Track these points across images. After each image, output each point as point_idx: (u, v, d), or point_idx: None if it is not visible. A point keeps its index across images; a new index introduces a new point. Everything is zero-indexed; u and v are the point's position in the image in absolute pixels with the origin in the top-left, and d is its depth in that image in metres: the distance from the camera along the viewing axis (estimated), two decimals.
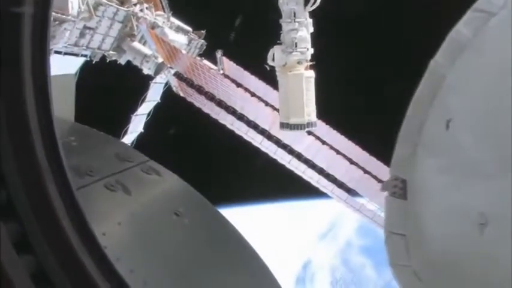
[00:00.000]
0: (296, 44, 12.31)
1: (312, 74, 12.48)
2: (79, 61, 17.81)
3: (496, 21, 5.09)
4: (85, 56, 17.94)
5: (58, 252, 1.74)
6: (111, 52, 19.12)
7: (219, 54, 23.36)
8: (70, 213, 1.86)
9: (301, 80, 12.11)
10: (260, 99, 20.85)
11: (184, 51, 21.60)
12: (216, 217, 3.84)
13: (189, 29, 23.77)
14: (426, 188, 5.30)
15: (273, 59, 12.53)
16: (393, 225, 5.50)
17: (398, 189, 5.51)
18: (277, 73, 12.66)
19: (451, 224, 4.82)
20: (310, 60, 12.68)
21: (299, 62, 12.34)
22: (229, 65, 23.32)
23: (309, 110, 12.21)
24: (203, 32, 24.65)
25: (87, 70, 18.38)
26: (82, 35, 16.54)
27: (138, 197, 3.03)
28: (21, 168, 1.93)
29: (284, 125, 12.44)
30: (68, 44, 16.10)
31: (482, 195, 4.44)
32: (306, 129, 12.39)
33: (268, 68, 12.78)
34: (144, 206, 2.97)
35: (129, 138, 22.24)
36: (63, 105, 4.50)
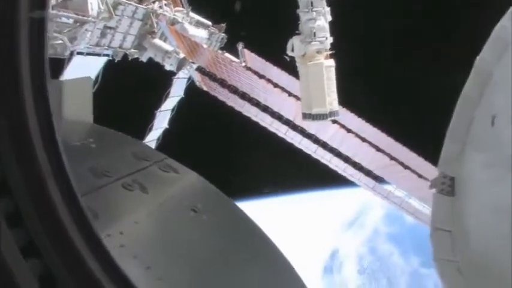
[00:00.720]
0: (315, 33, 12.26)
1: (332, 62, 12.42)
2: (101, 61, 17.97)
3: None
4: (107, 55, 18.11)
5: (63, 255, 1.78)
6: (132, 50, 19.24)
7: (240, 46, 23.35)
8: (74, 217, 1.90)
9: (321, 70, 12.06)
10: (283, 89, 20.80)
11: (205, 46, 21.63)
12: (235, 213, 3.86)
13: (209, 23, 23.75)
14: (472, 184, 5.28)
15: (292, 50, 12.52)
16: (439, 221, 5.50)
17: (447, 187, 5.50)
18: (297, 63, 12.64)
19: (493, 222, 4.80)
20: (330, 49, 12.64)
21: (318, 52, 12.29)
22: (251, 57, 23.30)
23: (331, 99, 12.16)
24: (223, 25, 24.60)
25: (110, 69, 18.54)
26: (103, 35, 16.70)
27: (155, 195, 3.07)
28: (24, 173, 1.97)
29: (306, 116, 12.43)
30: (90, 45, 16.27)
31: None
32: (329, 118, 12.36)
33: (288, 59, 12.77)
34: (161, 204, 3.01)
35: (154, 135, 22.42)
36: (81, 108, 4.57)
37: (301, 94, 12.99)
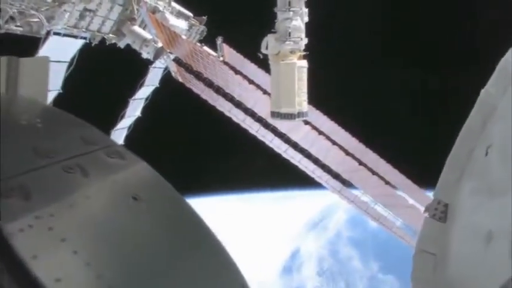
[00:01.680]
0: (290, 33, 12.27)
1: (304, 63, 12.44)
2: (78, 43, 17.77)
3: None
4: (84, 38, 17.89)
5: None
6: (110, 35, 19.08)
7: (219, 40, 23.32)
8: None
9: (293, 70, 12.08)
10: (258, 87, 20.81)
11: (184, 37, 21.54)
12: (179, 205, 3.84)
13: (190, 14, 23.64)
14: (459, 211, 5.39)
15: (267, 48, 12.51)
16: (426, 244, 5.60)
17: (439, 213, 5.60)
18: (270, 62, 12.64)
19: (466, 244, 4.90)
20: (304, 50, 12.65)
21: (292, 52, 12.30)
22: (229, 52, 23.28)
23: (300, 99, 12.19)
24: (204, 18, 24.49)
25: (86, 52, 18.37)
26: (82, 17, 16.53)
27: (95, 180, 3.03)
28: None
29: (275, 114, 12.45)
30: (68, 26, 16.09)
31: (491, 213, 4.52)
32: (297, 119, 12.38)
33: (261, 56, 12.77)
34: (99, 189, 2.98)
35: (126, 122, 22.27)
36: (37, 88, 4.52)
37: (271, 92, 13.00)
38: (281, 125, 19.48)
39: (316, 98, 19.76)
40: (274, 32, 12.55)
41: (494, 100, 5.43)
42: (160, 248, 3.00)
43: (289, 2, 12.21)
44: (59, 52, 16.66)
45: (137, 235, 2.88)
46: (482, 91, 5.67)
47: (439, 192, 5.74)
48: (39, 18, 14.12)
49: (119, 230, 2.78)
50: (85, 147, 3.42)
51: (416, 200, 22.12)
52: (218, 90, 20.49)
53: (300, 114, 12.31)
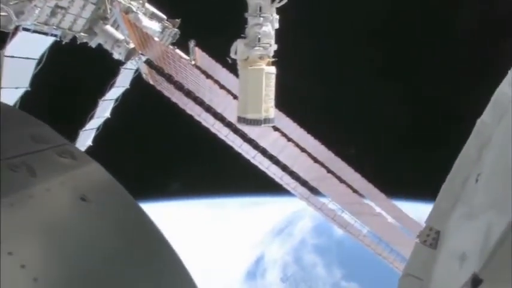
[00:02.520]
0: (259, 38, 12.28)
1: (273, 70, 12.44)
2: (48, 41, 17.54)
3: None
4: (55, 35, 17.67)
5: None
6: (82, 34, 18.89)
7: (191, 44, 23.27)
8: None
9: (261, 75, 12.07)
10: (229, 92, 20.80)
11: (156, 39, 21.45)
12: (132, 209, 3.78)
13: (164, 16, 23.53)
14: (447, 236, 5.46)
15: (236, 52, 12.50)
16: (414, 269, 5.67)
17: (431, 239, 5.66)
18: (238, 67, 12.62)
19: (445, 266, 4.96)
20: (273, 57, 12.66)
21: (261, 57, 12.30)
22: (201, 56, 23.25)
23: (267, 106, 12.18)
24: (178, 20, 24.39)
25: (56, 51, 18.17)
26: (53, 13, 16.30)
27: (42, 179, 2.96)
28: None
29: (241, 119, 12.42)
30: (38, 22, 15.87)
31: (466, 235, 4.59)
32: (263, 125, 12.37)
33: (230, 61, 12.74)
34: (46, 189, 2.92)
35: (95, 123, 22.07)
36: None
37: (238, 98, 12.99)
38: (250, 131, 19.51)
39: (286, 104, 19.87)
40: (244, 37, 12.54)
41: (489, 130, 5.53)
42: (106, 252, 2.94)
43: (260, 8, 12.22)
44: (28, 49, 16.43)
45: (82, 238, 2.82)
46: (478, 121, 5.79)
47: (431, 219, 5.83)
48: (7, 12, 13.92)
49: (62, 231, 2.72)
50: (34, 145, 3.36)
51: (383, 208, 22.33)
52: (189, 94, 20.44)
53: (266, 120, 12.30)
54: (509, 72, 5.52)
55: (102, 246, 2.90)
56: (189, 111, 21.07)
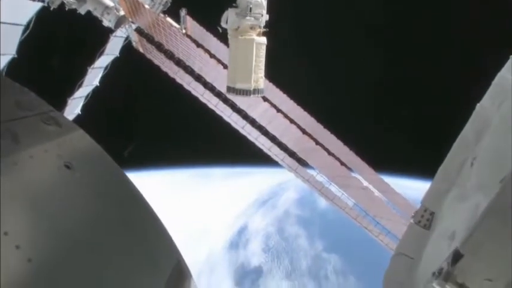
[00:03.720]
0: (251, 8, 12.17)
1: (264, 40, 12.34)
2: (35, 6, 17.25)
3: None
4: (42, 1, 17.38)
5: None
6: (71, 0, 18.61)
7: (183, 12, 23.02)
8: None
9: (251, 46, 11.99)
10: (219, 61, 20.68)
11: (147, 7, 21.21)
12: (116, 176, 3.77)
13: None
14: (441, 218, 5.49)
15: (227, 22, 12.39)
16: (406, 248, 5.72)
17: (425, 220, 5.71)
18: (228, 36, 12.52)
19: (435, 245, 5.01)
20: (265, 27, 12.56)
21: (252, 27, 12.19)
22: (192, 25, 23.03)
23: (257, 76, 12.13)
24: None
25: (45, 17, 17.91)
26: None
27: (26, 146, 2.94)
28: None
29: (230, 89, 12.36)
30: None
31: (457, 216, 4.64)
32: (252, 95, 12.33)
33: (221, 31, 12.63)
34: (30, 155, 2.90)
35: (83, 91, 21.88)
36: None
37: (228, 68, 12.92)
38: (240, 101, 19.49)
39: (277, 76, 19.80)
40: (236, 7, 12.42)
41: (488, 114, 5.55)
42: (91, 219, 2.94)
43: None
44: (14, 14, 16.16)
45: (66, 205, 2.82)
46: (478, 105, 5.82)
47: (427, 200, 5.89)
48: None
49: (45, 198, 2.71)
50: (19, 112, 3.33)
51: (370, 182, 22.46)
52: (179, 63, 20.32)
53: (255, 91, 12.25)
54: (510, 57, 5.54)
55: (86, 214, 2.90)
56: (179, 80, 20.96)
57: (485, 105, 5.82)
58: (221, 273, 53.60)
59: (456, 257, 3.54)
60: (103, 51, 21.76)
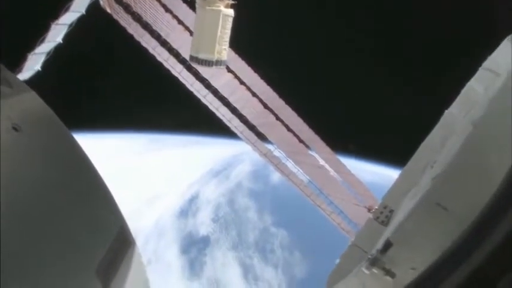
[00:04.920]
0: None
1: (230, 13, 12.35)
2: None
3: (500, 82, 5.36)
4: None
5: None
6: None
7: None
8: None
9: (217, 17, 11.99)
10: (187, 28, 20.49)
11: None
12: (65, 140, 3.76)
13: None
14: (398, 215, 5.64)
15: None
16: (361, 241, 5.86)
17: (384, 217, 5.85)
18: (196, 5, 12.49)
19: (383, 239, 5.17)
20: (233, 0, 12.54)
21: None
22: None
23: (221, 48, 12.16)
24: None
25: None
26: None
27: None
28: None
29: (193, 59, 12.39)
30: None
31: (403, 213, 4.79)
32: (214, 66, 12.36)
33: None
34: None
35: (45, 48, 21.40)
36: None
37: (193, 37, 12.89)
38: (203, 70, 19.40)
39: (242, 48, 19.75)
40: None
41: (455, 121, 5.72)
42: (34, 181, 2.95)
43: None
44: None
45: (11, 166, 2.82)
46: (446, 112, 5.99)
47: (388, 197, 6.07)
48: None
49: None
50: None
51: (327, 161, 22.75)
52: (146, 26, 20.09)
53: (218, 62, 12.29)
54: (479, 69, 5.70)
55: (30, 176, 2.92)
56: (144, 44, 20.71)
57: (453, 112, 6.05)
58: (169, 240, 53.70)
59: (387, 245, 3.71)
60: (69, 8, 21.30)
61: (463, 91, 5.84)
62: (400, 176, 6.22)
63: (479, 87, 5.66)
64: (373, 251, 3.96)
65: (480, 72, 5.81)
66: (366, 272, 4.10)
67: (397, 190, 6.09)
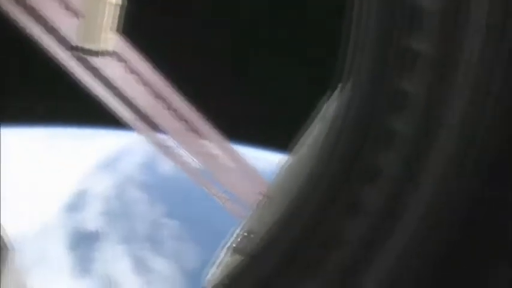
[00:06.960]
0: None
1: (118, 1, 12.13)
2: None
3: None
4: None
5: None
6: None
7: None
8: None
9: (103, 5, 11.76)
10: (76, 15, 19.85)
11: None
12: None
13: None
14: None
15: None
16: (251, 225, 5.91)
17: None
18: None
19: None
20: None
21: None
22: None
23: (106, 37, 11.92)
24: None
25: None
26: None
27: None
28: None
29: (78, 48, 12.09)
30: None
31: None
32: (99, 56, 12.10)
33: None
34: None
35: None
36: None
37: (78, 25, 12.56)
38: (93, 60, 18.90)
39: (133, 37, 19.42)
40: None
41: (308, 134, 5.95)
42: None
43: None
44: None
45: None
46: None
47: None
48: None
49: None
50: None
51: (221, 150, 22.94)
52: (31, 11, 19.27)
53: (103, 52, 12.06)
54: (335, 92, 5.93)
55: None
56: (29, 31, 19.85)
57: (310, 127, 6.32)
58: (56, 237, 52.11)
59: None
60: None
61: (322, 107, 6.15)
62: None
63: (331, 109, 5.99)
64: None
65: (336, 95, 6.15)
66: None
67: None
